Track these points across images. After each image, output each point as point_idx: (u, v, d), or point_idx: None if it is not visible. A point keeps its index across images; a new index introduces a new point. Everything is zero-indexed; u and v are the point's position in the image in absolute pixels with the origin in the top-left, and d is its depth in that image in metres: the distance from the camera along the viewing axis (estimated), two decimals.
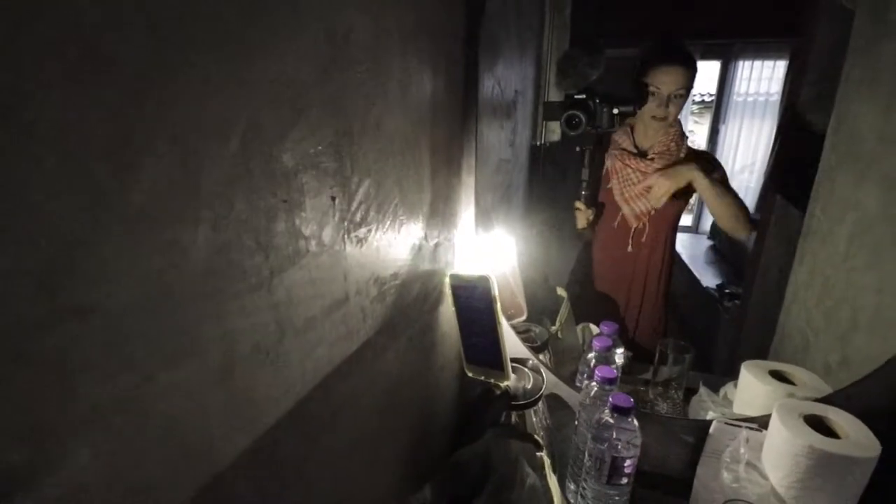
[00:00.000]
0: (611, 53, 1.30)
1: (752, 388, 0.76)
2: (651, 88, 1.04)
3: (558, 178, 1.37)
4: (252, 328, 0.28)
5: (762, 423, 0.70)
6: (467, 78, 0.69)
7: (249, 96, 0.26)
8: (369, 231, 0.43)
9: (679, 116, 1.10)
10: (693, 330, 1.61)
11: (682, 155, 1.09)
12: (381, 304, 0.47)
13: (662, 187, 1.04)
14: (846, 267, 0.94)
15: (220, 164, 0.24)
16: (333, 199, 0.36)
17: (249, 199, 0.27)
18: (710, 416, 0.77)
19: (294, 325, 0.32)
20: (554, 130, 1.43)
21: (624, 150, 1.14)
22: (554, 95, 1.36)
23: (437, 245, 0.64)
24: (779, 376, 0.77)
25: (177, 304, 0.23)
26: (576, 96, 1.10)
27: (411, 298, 0.57)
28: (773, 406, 0.67)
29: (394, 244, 0.49)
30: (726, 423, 0.73)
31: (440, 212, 0.64)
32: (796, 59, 1.30)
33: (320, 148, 0.33)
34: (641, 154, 1.13)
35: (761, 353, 1.17)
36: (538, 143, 1.43)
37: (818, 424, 0.65)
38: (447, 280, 0.69)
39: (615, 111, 1.08)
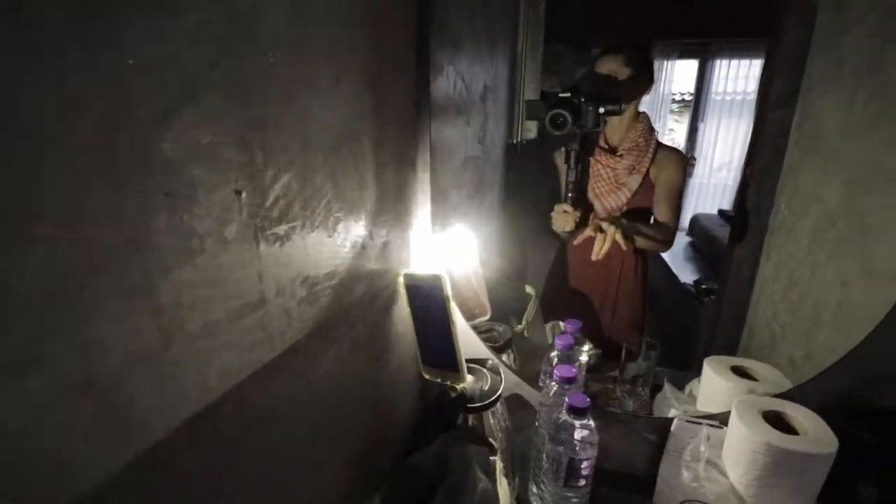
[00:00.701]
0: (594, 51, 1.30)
1: (714, 385, 0.75)
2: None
3: (538, 177, 1.35)
4: (125, 336, 0.26)
5: (723, 419, 0.69)
6: (419, 71, 0.67)
7: (111, 76, 0.24)
8: (292, 228, 0.40)
9: (644, 111, 1.10)
10: (672, 326, 1.61)
11: (651, 150, 1.08)
12: (312, 306, 0.45)
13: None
14: (810, 261, 0.93)
15: (68, 152, 0.22)
16: (239, 193, 0.33)
17: (112, 192, 0.24)
18: (672, 413, 0.76)
19: (186, 330, 0.30)
20: (530, 129, 1.42)
21: (594, 145, 1.13)
22: (530, 93, 1.35)
23: (386, 244, 0.62)
24: (741, 372, 0.76)
25: (15, 313, 0.21)
26: (560, 94, 1.07)
27: (354, 299, 0.54)
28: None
29: (327, 243, 0.47)
30: (687, 421, 0.71)
31: (389, 209, 0.62)
32: (770, 55, 1.30)
33: (218, 138, 0.31)
34: (612, 150, 1.12)
35: (734, 348, 1.17)
36: (514, 142, 1.42)
37: (777, 421, 0.64)
38: (400, 279, 0.67)
39: (601, 110, 1.06)
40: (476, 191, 1.21)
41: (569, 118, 1.00)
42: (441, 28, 0.79)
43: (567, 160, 1.10)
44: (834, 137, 0.91)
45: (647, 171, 1.09)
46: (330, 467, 0.54)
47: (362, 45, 0.50)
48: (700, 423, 0.71)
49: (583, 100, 1.03)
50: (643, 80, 1.09)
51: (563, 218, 1.08)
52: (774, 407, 0.65)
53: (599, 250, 0.97)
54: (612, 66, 1.05)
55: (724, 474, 0.64)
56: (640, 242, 1.08)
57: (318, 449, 0.50)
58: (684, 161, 1.12)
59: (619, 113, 1.06)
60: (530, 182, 1.39)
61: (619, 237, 0.95)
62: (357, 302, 0.55)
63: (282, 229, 0.39)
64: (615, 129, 1.10)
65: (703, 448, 0.66)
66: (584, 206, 1.10)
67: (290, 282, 0.41)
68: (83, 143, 0.22)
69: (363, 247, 0.55)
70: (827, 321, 0.86)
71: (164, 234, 0.27)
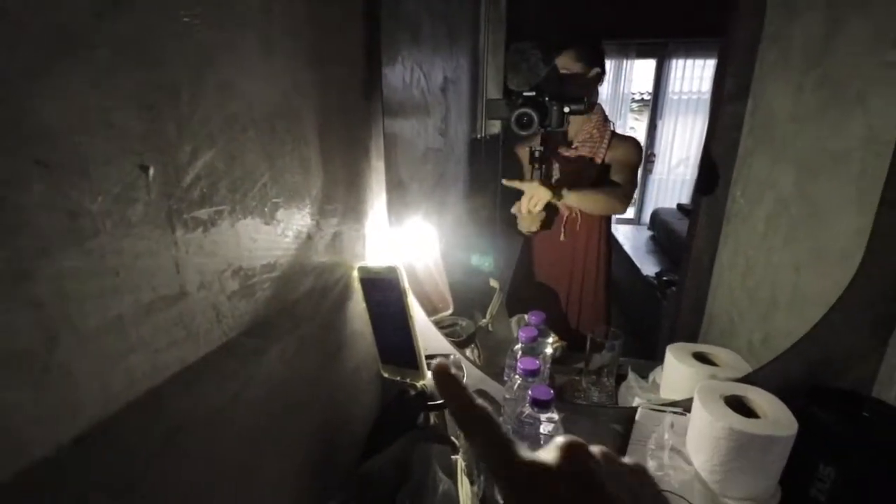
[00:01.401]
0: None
1: (676, 372, 0.75)
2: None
3: (502, 172, 1.33)
4: None
5: (686, 406, 0.69)
6: (369, 54, 0.63)
7: None
8: (218, 213, 0.36)
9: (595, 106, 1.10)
10: (635, 318, 1.63)
11: (605, 140, 1.09)
12: (247, 301, 0.41)
13: (536, 198, 1.04)
14: (765, 247, 0.95)
15: None
16: (146, 168, 0.29)
17: None
18: (636, 402, 0.75)
19: (76, 328, 0.25)
20: (494, 125, 1.40)
21: (552, 138, 1.12)
22: (493, 90, 1.33)
23: (337, 235, 0.58)
24: (702, 358, 0.76)
25: None
26: (525, 93, 1.05)
27: (300, 294, 0.50)
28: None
29: (264, 231, 0.43)
30: (651, 409, 0.71)
31: (339, 198, 0.58)
32: (723, 51, 1.33)
33: (110, 102, 0.26)
34: (567, 142, 1.12)
35: (695, 336, 1.19)
36: (478, 137, 1.40)
37: (738, 405, 0.63)
38: (355, 273, 0.63)
39: (566, 109, 1.04)
40: (438, 184, 1.18)
41: (535, 117, 0.98)
42: (394, 9, 0.75)
43: (531, 160, 1.09)
44: (784, 124, 0.93)
45: (603, 160, 1.09)
46: (275, 479, 0.49)
47: (301, 14, 0.46)
48: (664, 411, 0.70)
49: (548, 98, 1.02)
50: (595, 73, 1.10)
51: (528, 218, 1.08)
52: (736, 391, 0.64)
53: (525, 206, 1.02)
54: (566, 62, 1.06)
55: (689, 461, 0.64)
56: (587, 203, 1.10)
57: (260, 460, 0.46)
58: (638, 145, 1.13)
59: (583, 112, 1.05)
60: (494, 177, 1.37)
61: (543, 193, 1.00)
62: (304, 297, 0.51)
63: (204, 213, 0.34)
64: (572, 121, 1.09)
65: (667, 436, 0.66)
66: (548, 207, 1.10)
67: (217, 273, 0.37)
68: None
69: (309, 237, 0.51)
70: (783, 305, 0.88)
71: (40, 212, 0.23)
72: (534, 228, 1.11)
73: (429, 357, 0.66)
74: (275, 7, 0.41)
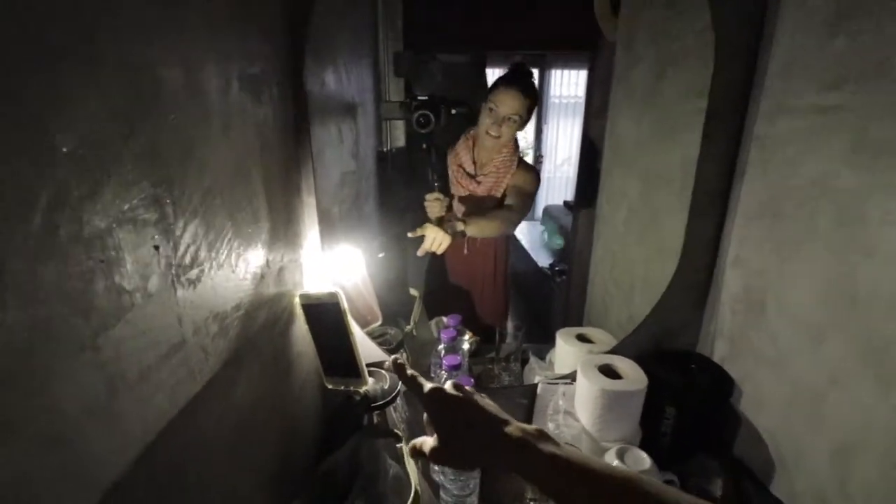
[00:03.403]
0: (443, 59, 1.44)
1: (565, 351, 0.95)
2: (490, 105, 1.17)
3: (408, 183, 1.44)
4: (79, 392, 0.28)
5: (573, 377, 0.88)
6: (296, 98, 0.71)
7: (51, 165, 0.26)
8: (202, 271, 0.44)
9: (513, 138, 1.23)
10: (535, 306, 1.86)
11: (510, 173, 1.23)
12: (224, 339, 0.48)
13: (438, 242, 1.06)
14: (624, 243, 1.21)
15: (25, 241, 0.25)
16: (157, 248, 0.36)
17: (60, 268, 0.27)
18: (537, 379, 0.93)
19: (126, 379, 0.33)
20: (398, 137, 1.51)
21: (460, 166, 1.25)
22: (394, 97, 1.43)
23: (281, 269, 0.66)
24: (583, 338, 0.97)
25: None
26: (418, 97, 1.18)
27: (258, 326, 0.58)
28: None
29: (232, 278, 0.50)
30: (548, 383, 0.89)
31: (281, 236, 0.66)
32: (591, 71, 1.60)
33: (136, 202, 0.34)
34: (470, 175, 1.26)
35: (581, 319, 1.43)
36: (384, 150, 1.49)
37: (609, 371, 0.84)
38: (296, 300, 0.71)
39: (453, 111, 1.19)
40: (354, 204, 1.27)
41: (432, 117, 1.12)
42: (315, 56, 0.83)
43: (428, 154, 1.21)
44: (630, 147, 1.18)
45: (503, 192, 1.24)
46: (248, 488, 0.57)
47: (245, 86, 0.54)
48: (557, 384, 0.89)
49: (438, 101, 1.15)
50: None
51: (435, 205, 1.19)
52: (606, 361, 0.85)
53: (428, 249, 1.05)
54: (515, 107, 1.15)
55: (577, 419, 0.83)
56: (485, 232, 1.20)
57: (234, 474, 0.53)
58: (538, 177, 1.28)
59: (467, 113, 1.20)
60: (401, 188, 1.49)
61: (443, 238, 1.04)
62: (261, 328, 0.59)
63: (193, 273, 0.42)
64: (484, 147, 1.23)
65: (560, 402, 0.84)
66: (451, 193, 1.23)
67: (203, 321, 0.44)
68: (38, 230, 0.25)
69: (262, 276, 0.59)
70: (638, 290, 1.13)
71: (103, 297, 0.30)
72: (441, 213, 1.20)
73: (368, 365, 0.77)
74: (230, 95, 0.49)
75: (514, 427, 0.43)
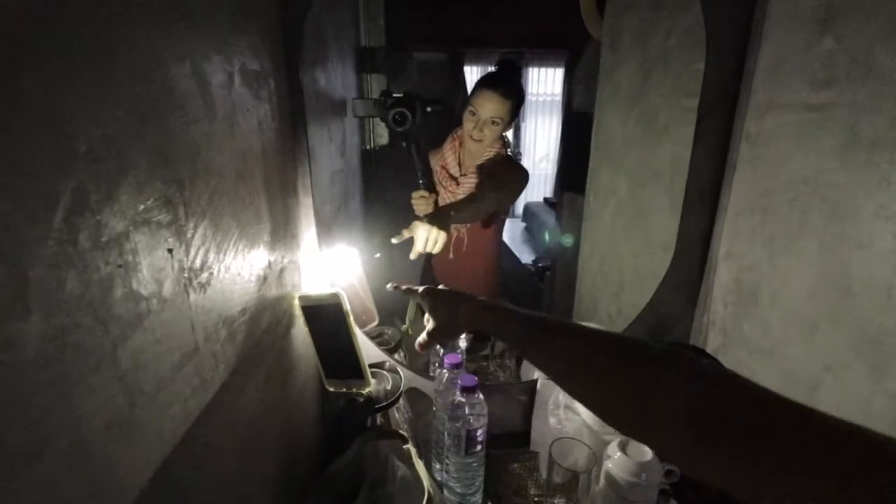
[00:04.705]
0: (420, 57, 1.42)
1: None
2: (471, 109, 1.15)
3: (394, 179, 1.42)
4: (101, 405, 0.27)
5: None
6: (293, 95, 0.70)
7: (70, 166, 0.25)
8: (211, 274, 0.42)
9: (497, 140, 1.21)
10: (521, 302, 1.87)
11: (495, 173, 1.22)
12: (231, 345, 0.47)
13: (433, 238, 0.96)
14: (612, 240, 1.22)
15: (46, 244, 0.23)
16: (170, 251, 0.35)
17: (81, 274, 0.25)
18: (535, 375, 0.94)
19: (144, 390, 0.31)
20: (382, 135, 1.49)
21: (444, 167, 1.23)
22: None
23: (282, 270, 0.64)
24: None
25: (16, 401, 0.21)
26: (394, 94, 1.16)
27: (262, 330, 0.56)
28: None
29: (238, 280, 0.49)
30: (547, 379, 0.90)
31: (281, 236, 0.64)
32: (569, 69, 1.61)
33: (150, 203, 0.32)
34: (464, 169, 1.25)
35: (570, 314, 1.45)
36: (368, 148, 1.48)
37: None
38: (296, 302, 0.70)
39: (428, 109, 1.18)
40: (343, 203, 1.25)
41: (409, 115, 1.11)
42: (309, 51, 0.81)
43: (409, 152, 1.20)
44: (618, 145, 1.20)
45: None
46: (256, 495, 0.55)
47: (248, 85, 0.52)
48: None
49: (414, 98, 1.14)
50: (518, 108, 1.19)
51: (421, 203, 1.17)
52: None
53: (422, 250, 0.95)
54: (495, 108, 1.13)
55: (577, 413, 0.84)
56: (470, 216, 1.17)
57: (244, 482, 0.52)
58: (525, 175, 1.27)
59: (442, 111, 1.19)
60: (388, 185, 1.47)
61: (435, 234, 0.94)
62: (265, 331, 0.57)
63: (204, 277, 0.40)
64: (469, 150, 1.22)
65: (560, 397, 0.85)
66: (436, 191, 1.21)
67: (214, 326, 0.43)
68: (58, 233, 0.24)
69: (265, 278, 0.57)
70: (628, 284, 1.15)
71: (122, 304, 0.29)
72: (429, 210, 1.16)
73: (369, 366, 0.76)
74: (233, 91, 0.47)
75: (484, 299, 0.59)
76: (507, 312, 0.53)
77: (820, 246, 0.65)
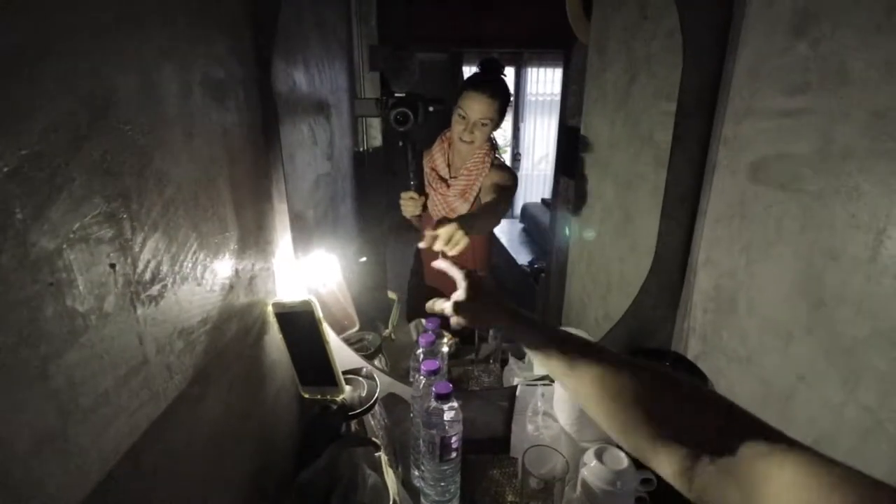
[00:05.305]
0: (419, 56, 1.42)
1: None
2: (460, 111, 1.15)
3: (386, 183, 1.41)
4: (27, 425, 0.27)
5: (552, 378, 0.89)
6: (264, 100, 0.69)
7: None
8: (164, 286, 0.42)
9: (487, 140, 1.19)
10: (515, 302, 1.86)
11: (483, 175, 1.20)
12: (190, 356, 0.47)
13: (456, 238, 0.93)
14: (600, 243, 1.22)
15: None
16: (113, 266, 0.35)
17: (3, 295, 0.25)
18: (516, 381, 0.94)
19: (80, 406, 0.31)
20: (375, 137, 1.49)
21: (433, 168, 1.23)
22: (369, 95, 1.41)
23: (252, 278, 0.64)
24: None
25: None
26: (395, 94, 1.16)
27: (228, 339, 0.56)
28: None
29: (198, 291, 0.49)
30: (528, 385, 0.90)
31: (252, 244, 0.64)
32: (566, 69, 1.61)
33: (88, 219, 0.32)
34: (443, 179, 1.24)
35: (560, 317, 1.45)
36: (361, 150, 1.47)
37: None
38: (269, 309, 0.70)
39: (430, 108, 1.17)
40: (330, 206, 1.25)
41: (411, 115, 1.10)
42: (285, 55, 0.81)
43: (405, 153, 1.19)
44: (604, 149, 1.20)
45: (477, 194, 1.22)
46: (224, 503, 0.55)
47: (208, 94, 0.52)
48: (536, 385, 0.89)
49: (415, 98, 1.13)
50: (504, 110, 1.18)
51: (409, 204, 1.15)
52: None
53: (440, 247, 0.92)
54: (484, 109, 1.13)
55: (556, 420, 0.83)
56: (477, 230, 1.11)
57: (209, 491, 0.52)
58: (515, 177, 1.25)
59: (444, 110, 1.17)
60: (380, 188, 1.47)
61: (459, 236, 0.93)
62: (231, 340, 0.57)
63: (155, 289, 0.40)
64: (458, 151, 1.21)
65: (539, 404, 0.85)
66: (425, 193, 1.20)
67: (168, 337, 0.43)
68: None
69: (231, 287, 0.57)
70: (615, 288, 1.15)
71: (53, 322, 0.29)
72: (417, 212, 1.14)
73: (344, 373, 0.76)
74: (191, 101, 0.47)
75: (511, 304, 0.67)
76: (525, 322, 0.62)
77: (794, 254, 0.64)
